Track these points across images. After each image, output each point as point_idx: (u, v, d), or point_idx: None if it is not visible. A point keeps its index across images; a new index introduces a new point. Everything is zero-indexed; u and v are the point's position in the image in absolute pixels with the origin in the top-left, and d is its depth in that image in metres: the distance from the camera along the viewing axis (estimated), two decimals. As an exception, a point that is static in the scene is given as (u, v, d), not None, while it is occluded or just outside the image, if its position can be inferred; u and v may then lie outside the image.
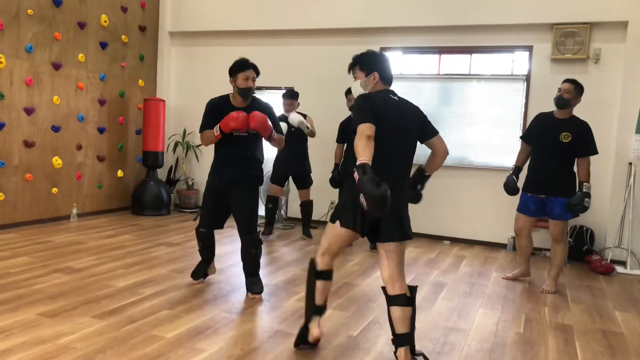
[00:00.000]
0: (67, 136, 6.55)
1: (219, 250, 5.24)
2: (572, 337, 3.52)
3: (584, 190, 4.38)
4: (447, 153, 2.96)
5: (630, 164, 5.69)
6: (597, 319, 3.94)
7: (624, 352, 3.31)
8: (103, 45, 6.95)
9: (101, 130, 7.05)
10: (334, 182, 5.80)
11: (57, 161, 6.41)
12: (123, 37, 7.27)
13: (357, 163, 2.49)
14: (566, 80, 4.56)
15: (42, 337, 3.00)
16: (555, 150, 4.45)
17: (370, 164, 2.48)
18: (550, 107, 5.79)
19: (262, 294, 4.02)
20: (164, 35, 7.93)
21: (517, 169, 4.79)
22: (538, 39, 6.17)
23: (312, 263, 2.98)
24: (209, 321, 3.41)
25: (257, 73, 3.90)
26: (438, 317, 3.75)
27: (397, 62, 6.90)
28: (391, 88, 2.91)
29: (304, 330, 3.02)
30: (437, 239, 6.67)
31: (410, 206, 2.95)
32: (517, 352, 3.20)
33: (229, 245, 5.54)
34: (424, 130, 2.91)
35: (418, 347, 3.18)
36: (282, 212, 7.09)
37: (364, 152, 2.53)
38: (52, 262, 4.59)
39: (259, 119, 3.73)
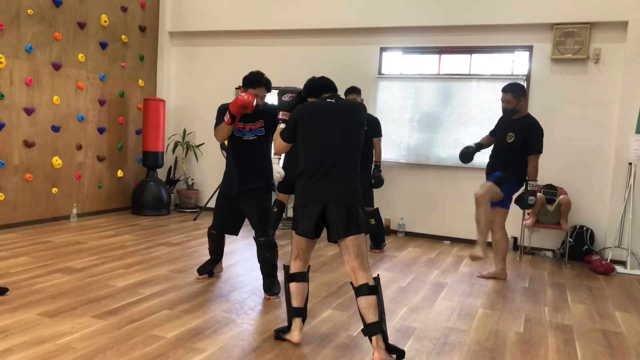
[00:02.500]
0: (67, 136, 6.55)
1: (219, 250, 5.25)
2: (572, 337, 3.52)
3: (529, 187, 4.60)
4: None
5: (630, 164, 5.69)
6: (597, 319, 3.94)
7: (624, 352, 3.31)
8: (103, 46, 6.95)
9: (101, 131, 7.05)
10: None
11: (57, 161, 6.41)
12: (123, 37, 7.27)
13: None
14: (503, 90, 4.68)
15: (42, 337, 3.00)
16: (501, 149, 4.74)
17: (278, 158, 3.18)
18: (551, 107, 5.81)
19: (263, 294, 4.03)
20: (164, 35, 7.93)
21: (478, 144, 5.01)
22: (538, 39, 6.17)
23: (286, 268, 3.15)
24: (209, 321, 3.41)
25: (269, 90, 3.95)
26: (438, 317, 3.75)
27: (397, 62, 6.91)
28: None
29: (286, 329, 3.16)
30: (437, 239, 6.67)
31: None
32: (517, 352, 3.20)
33: (228, 246, 5.51)
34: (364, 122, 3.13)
35: (418, 346, 3.18)
36: (283, 213, 7.06)
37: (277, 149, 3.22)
38: (52, 262, 4.59)
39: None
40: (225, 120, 3.80)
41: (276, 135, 3.17)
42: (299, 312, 3.11)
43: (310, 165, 2.96)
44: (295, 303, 3.10)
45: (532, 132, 4.61)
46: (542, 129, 4.64)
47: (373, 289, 2.85)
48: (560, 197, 5.78)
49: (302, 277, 3.10)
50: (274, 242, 4.05)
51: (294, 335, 3.09)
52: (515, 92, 4.61)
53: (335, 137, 2.96)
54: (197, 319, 3.43)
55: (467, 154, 4.95)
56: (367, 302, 2.83)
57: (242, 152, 3.99)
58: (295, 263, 3.09)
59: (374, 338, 2.83)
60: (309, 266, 3.18)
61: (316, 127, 2.98)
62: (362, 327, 2.90)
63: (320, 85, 3.16)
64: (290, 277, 3.10)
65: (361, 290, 2.86)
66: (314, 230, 2.96)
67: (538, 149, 4.61)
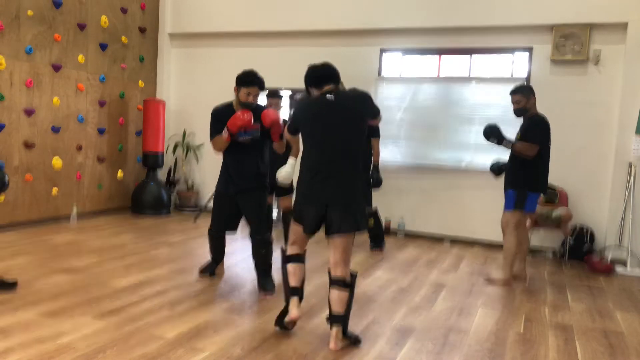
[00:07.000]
0: (67, 137, 6.55)
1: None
2: (572, 337, 3.52)
3: (505, 141, 4.60)
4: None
5: (630, 164, 5.70)
6: (597, 319, 3.94)
7: (624, 352, 3.31)
8: (103, 47, 6.96)
9: (101, 131, 7.06)
10: None
11: (57, 162, 6.41)
12: (123, 38, 7.28)
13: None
14: (512, 93, 4.64)
15: (42, 337, 3.00)
16: (510, 153, 4.70)
17: (294, 159, 3.43)
18: (551, 108, 5.80)
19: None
20: (163, 36, 7.93)
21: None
22: (538, 40, 6.17)
23: (282, 251, 3.24)
24: (209, 321, 3.41)
25: (262, 88, 3.97)
26: (438, 317, 3.75)
27: (397, 63, 6.91)
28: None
29: (284, 312, 3.21)
30: (437, 239, 6.67)
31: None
32: (517, 352, 3.20)
33: (228, 246, 5.49)
34: (368, 112, 3.15)
35: (418, 346, 3.19)
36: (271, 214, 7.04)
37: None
38: (52, 262, 4.59)
39: (273, 116, 3.84)
40: (225, 137, 3.90)
41: (285, 131, 3.31)
42: (295, 292, 3.17)
43: (311, 165, 3.02)
44: (292, 282, 3.17)
45: (534, 125, 4.51)
46: (546, 124, 4.51)
47: (348, 285, 3.00)
48: (559, 209, 5.72)
49: (298, 258, 3.19)
50: (269, 240, 4.09)
51: (292, 312, 3.15)
52: (524, 92, 4.58)
53: (335, 137, 2.99)
54: (197, 319, 3.43)
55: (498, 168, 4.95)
56: (339, 296, 2.98)
57: (237, 153, 4.03)
58: (292, 247, 3.19)
59: (334, 328, 2.99)
60: (305, 250, 3.25)
61: (315, 128, 3.03)
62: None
63: (321, 76, 3.17)
64: (287, 259, 3.19)
65: (337, 283, 2.99)
66: (313, 227, 3.06)
67: (532, 139, 4.46)
